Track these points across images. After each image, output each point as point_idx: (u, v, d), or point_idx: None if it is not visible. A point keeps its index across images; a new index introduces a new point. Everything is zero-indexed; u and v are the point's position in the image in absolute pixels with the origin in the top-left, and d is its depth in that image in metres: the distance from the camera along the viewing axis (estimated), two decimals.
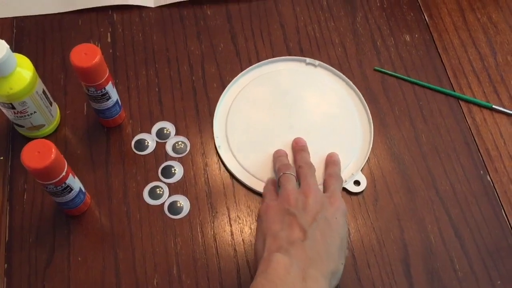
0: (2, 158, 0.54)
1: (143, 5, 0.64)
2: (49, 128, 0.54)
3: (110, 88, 0.51)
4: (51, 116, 0.54)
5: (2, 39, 0.46)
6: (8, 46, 0.46)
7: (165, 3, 0.64)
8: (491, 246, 0.51)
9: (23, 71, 0.48)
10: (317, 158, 0.53)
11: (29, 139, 0.54)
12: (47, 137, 0.54)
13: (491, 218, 0.53)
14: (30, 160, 0.42)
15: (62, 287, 0.48)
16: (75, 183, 0.47)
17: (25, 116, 0.51)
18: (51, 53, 0.61)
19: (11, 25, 0.62)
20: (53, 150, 0.42)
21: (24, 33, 0.62)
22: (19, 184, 0.52)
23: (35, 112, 0.51)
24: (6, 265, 0.49)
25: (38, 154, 0.42)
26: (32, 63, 0.50)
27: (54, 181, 0.44)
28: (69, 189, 0.47)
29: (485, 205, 0.54)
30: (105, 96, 0.51)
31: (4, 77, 0.47)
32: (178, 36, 0.63)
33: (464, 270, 0.50)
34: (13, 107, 0.49)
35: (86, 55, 0.47)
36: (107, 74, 0.49)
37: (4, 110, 0.51)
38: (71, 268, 0.49)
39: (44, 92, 0.51)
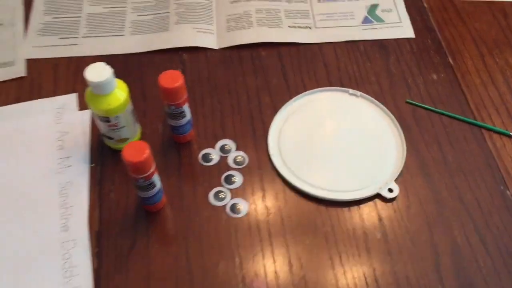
0: (93, 164, 0.65)
1: (208, 47, 0.76)
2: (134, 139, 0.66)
3: (186, 108, 0.62)
4: (134, 132, 0.65)
5: None
6: (112, 71, 0.57)
7: (227, 46, 0.77)
8: (511, 249, 0.59)
9: (119, 92, 0.60)
10: (355, 165, 0.63)
11: (115, 151, 0.65)
12: None
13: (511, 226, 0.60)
14: (130, 156, 0.52)
15: (142, 269, 0.57)
16: (158, 181, 0.58)
17: (116, 129, 0.62)
18: (133, 85, 0.73)
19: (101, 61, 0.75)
20: (147, 149, 0.53)
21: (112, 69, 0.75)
22: (107, 185, 0.63)
23: (124, 126, 0.62)
24: (97, 249, 0.58)
25: (136, 152, 0.52)
26: None
27: (145, 175, 0.54)
28: (153, 185, 0.57)
29: (506, 216, 0.61)
30: (182, 114, 0.62)
31: (105, 95, 0.58)
32: (237, 72, 0.74)
33: (488, 267, 0.57)
34: (108, 121, 0.60)
35: (171, 79, 0.58)
36: (185, 96, 0.61)
37: (100, 123, 0.62)
38: (149, 254, 0.58)
39: (132, 111, 0.63)
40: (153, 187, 0.57)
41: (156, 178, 0.57)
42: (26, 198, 0.62)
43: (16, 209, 0.61)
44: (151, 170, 0.55)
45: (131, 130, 0.64)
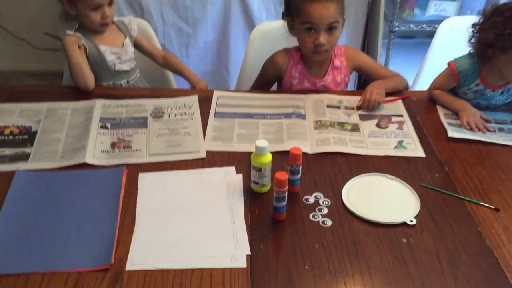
0: (245, 198, 1.18)
1: (305, 151, 1.34)
2: (267, 188, 1.19)
3: (300, 169, 1.17)
4: (269, 182, 1.19)
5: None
6: (267, 144, 1.15)
7: (316, 152, 1.34)
8: (481, 283, 1.05)
9: (268, 156, 1.16)
10: (390, 208, 1.14)
11: (255, 193, 1.19)
12: (266, 192, 1.19)
13: (484, 249, 1.08)
14: (279, 176, 1.06)
15: (273, 243, 1.06)
16: (285, 199, 1.10)
17: (262, 177, 1.17)
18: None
19: (244, 156, 1.33)
20: (286, 175, 1.07)
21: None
22: (254, 206, 1.15)
23: (266, 176, 1.17)
24: (249, 232, 1.08)
25: (281, 176, 1.07)
26: None
27: (282, 189, 1.07)
28: (284, 199, 1.09)
29: (477, 240, 1.09)
30: (298, 171, 1.17)
31: (262, 155, 1.15)
32: (323, 165, 1.30)
33: (465, 259, 1.04)
34: (260, 170, 1.16)
35: (296, 149, 1.15)
36: (300, 161, 1.16)
37: (254, 172, 1.17)
38: (275, 238, 1.08)
39: (270, 169, 1.18)
40: (283, 201, 1.10)
41: (286, 197, 1.10)
42: (213, 209, 1.15)
43: (208, 213, 1.14)
44: (286, 188, 1.08)
45: (268, 180, 1.18)
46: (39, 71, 3.19)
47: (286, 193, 1.10)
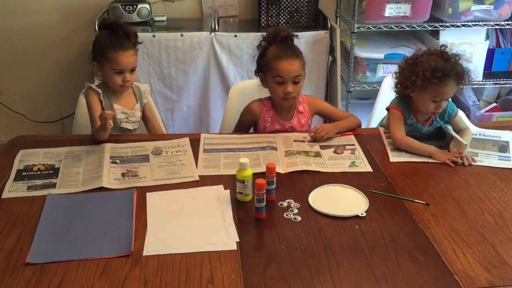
0: (233, 206, 1.49)
1: (280, 172, 1.67)
2: (249, 197, 1.51)
3: (275, 180, 1.50)
4: (251, 192, 1.51)
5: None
6: (248, 161, 1.48)
7: (287, 172, 1.68)
8: (413, 250, 1.38)
9: (250, 170, 1.49)
10: (347, 204, 1.48)
11: (240, 202, 1.51)
12: (249, 201, 1.50)
13: (416, 230, 1.41)
14: (259, 181, 1.39)
15: (255, 235, 1.38)
16: (264, 201, 1.42)
17: (245, 187, 1.49)
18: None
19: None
20: (265, 181, 1.40)
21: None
22: (239, 210, 1.47)
23: (249, 187, 1.49)
24: (238, 229, 1.39)
25: (261, 181, 1.40)
26: None
27: (262, 192, 1.40)
28: (263, 200, 1.41)
29: (411, 226, 1.42)
30: (273, 182, 1.50)
31: (245, 169, 1.48)
32: (294, 181, 1.63)
33: (400, 238, 1.36)
34: (243, 182, 1.48)
35: (271, 164, 1.49)
36: (275, 174, 1.50)
37: (239, 184, 1.49)
38: (257, 231, 1.39)
39: (252, 181, 1.51)
40: (263, 202, 1.42)
41: (265, 198, 1.42)
42: (208, 213, 1.46)
43: (204, 216, 1.45)
44: (264, 191, 1.41)
45: (250, 190, 1.51)
46: None
47: (265, 196, 1.42)
